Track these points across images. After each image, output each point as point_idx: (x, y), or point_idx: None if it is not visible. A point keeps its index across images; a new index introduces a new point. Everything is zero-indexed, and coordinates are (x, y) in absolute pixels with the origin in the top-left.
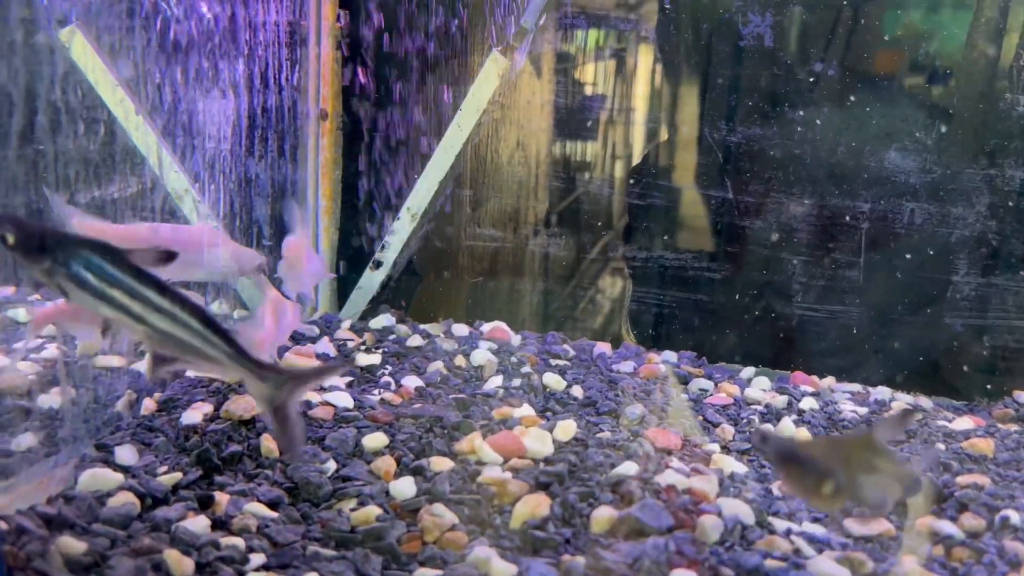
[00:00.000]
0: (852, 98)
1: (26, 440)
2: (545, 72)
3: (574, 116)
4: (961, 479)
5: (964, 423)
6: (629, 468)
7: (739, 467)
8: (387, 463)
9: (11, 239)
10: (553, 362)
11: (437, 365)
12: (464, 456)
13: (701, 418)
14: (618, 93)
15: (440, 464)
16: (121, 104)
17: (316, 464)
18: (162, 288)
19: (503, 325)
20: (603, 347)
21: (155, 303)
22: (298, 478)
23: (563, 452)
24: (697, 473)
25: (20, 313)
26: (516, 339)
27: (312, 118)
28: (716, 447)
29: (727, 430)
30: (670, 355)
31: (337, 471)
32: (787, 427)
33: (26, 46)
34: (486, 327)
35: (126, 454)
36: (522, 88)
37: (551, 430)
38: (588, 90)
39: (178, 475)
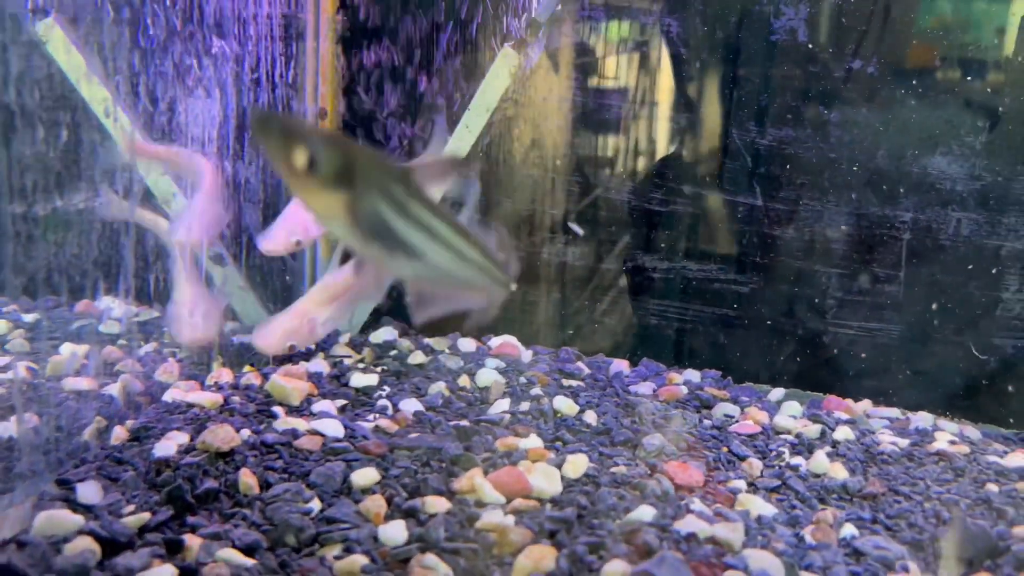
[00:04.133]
0: (892, 97)
1: None
2: (562, 68)
3: (592, 114)
4: (1019, 529)
5: (1019, 459)
6: (645, 513)
7: (767, 508)
8: (377, 503)
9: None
10: (565, 383)
11: (439, 386)
12: (463, 495)
13: (726, 449)
14: (638, 90)
15: (435, 505)
16: (102, 103)
17: (298, 503)
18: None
19: (513, 340)
20: (620, 364)
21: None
22: (278, 519)
23: (572, 492)
24: (721, 518)
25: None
26: (527, 355)
27: (310, 117)
28: (742, 484)
29: (754, 465)
30: (692, 375)
31: (322, 511)
32: (821, 463)
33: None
34: (495, 342)
35: (89, 491)
36: (537, 85)
37: (560, 465)
38: (606, 87)
39: (146, 515)
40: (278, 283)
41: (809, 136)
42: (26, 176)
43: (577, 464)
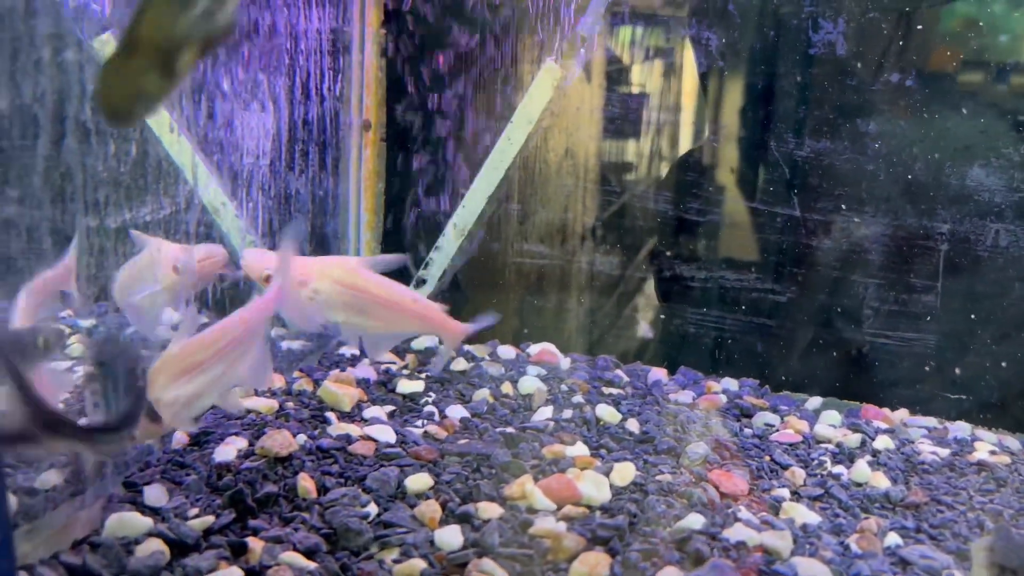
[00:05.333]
0: (928, 108)
1: (51, 477)
2: (595, 78)
3: (627, 125)
4: None
5: None
6: (695, 521)
7: (811, 517)
8: (432, 508)
9: None
10: (606, 391)
11: (483, 393)
12: (514, 502)
13: (768, 458)
14: (673, 102)
15: (488, 511)
16: (157, 119)
17: (356, 508)
18: None
19: (551, 347)
20: (659, 373)
21: None
22: (337, 523)
23: (621, 499)
24: (768, 527)
25: None
26: (565, 362)
27: (355, 129)
28: (785, 492)
29: (797, 474)
30: (730, 383)
31: (378, 516)
32: (862, 472)
33: (52, 64)
34: (533, 349)
35: (156, 494)
36: (571, 95)
37: (607, 473)
38: (640, 98)
39: (210, 518)
40: None
41: (846, 148)
42: (99, 191)
43: (624, 472)
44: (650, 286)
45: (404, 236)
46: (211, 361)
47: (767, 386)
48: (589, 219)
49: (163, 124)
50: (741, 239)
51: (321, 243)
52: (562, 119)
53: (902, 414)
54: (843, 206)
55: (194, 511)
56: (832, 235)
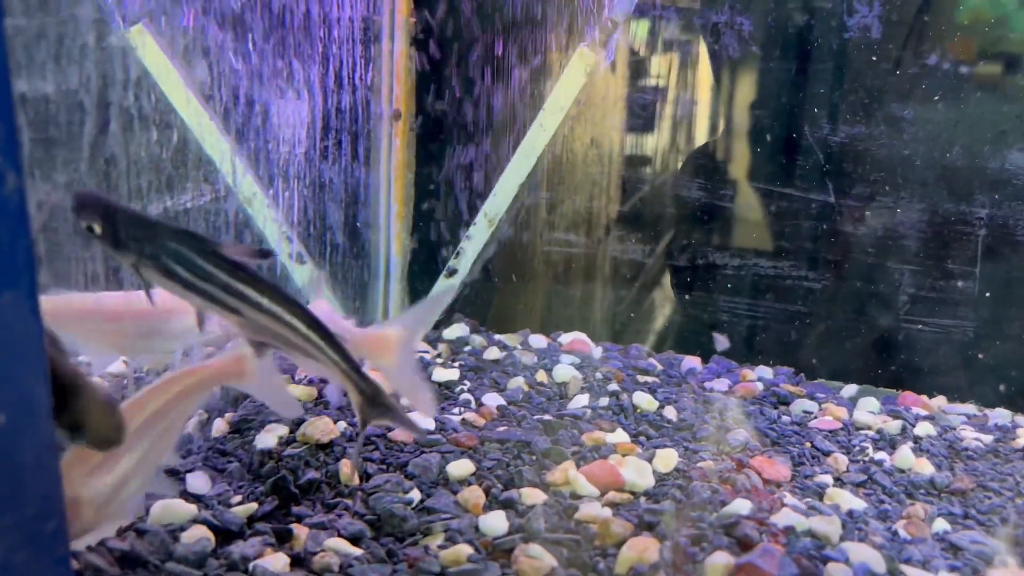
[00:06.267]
0: (965, 92)
1: None
2: (619, 67)
3: (653, 111)
4: None
5: None
6: (742, 506)
7: (856, 503)
8: (475, 494)
9: (98, 229)
10: (641, 379)
11: (518, 381)
12: (557, 488)
13: (809, 445)
14: (696, 88)
15: (532, 496)
16: (192, 108)
17: (399, 494)
18: (258, 282)
19: (583, 336)
20: (692, 361)
21: (251, 298)
22: (380, 509)
23: (665, 485)
24: (816, 512)
25: None
26: (597, 351)
27: (385, 118)
28: (828, 479)
29: (839, 460)
30: (765, 371)
31: (421, 502)
32: (906, 458)
33: (98, 49)
34: (565, 338)
35: (198, 481)
36: (596, 84)
37: (650, 459)
38: (668, 84)
39: (253, 505)
40: (355, 283)
41: (882, 132)
42: (142, 176)
43: (667, 458)
44: (681, 275)
45: (434, 226)
46: (134, 438)
47: (802, 374)
48: (617, 207)
49: (195, 113)
50: (775, 226)
51: (353, 234)
52: (588, 108)
53: (939, 401)
54: (879, 191)
55: (237, 498)
56: (868, 221)
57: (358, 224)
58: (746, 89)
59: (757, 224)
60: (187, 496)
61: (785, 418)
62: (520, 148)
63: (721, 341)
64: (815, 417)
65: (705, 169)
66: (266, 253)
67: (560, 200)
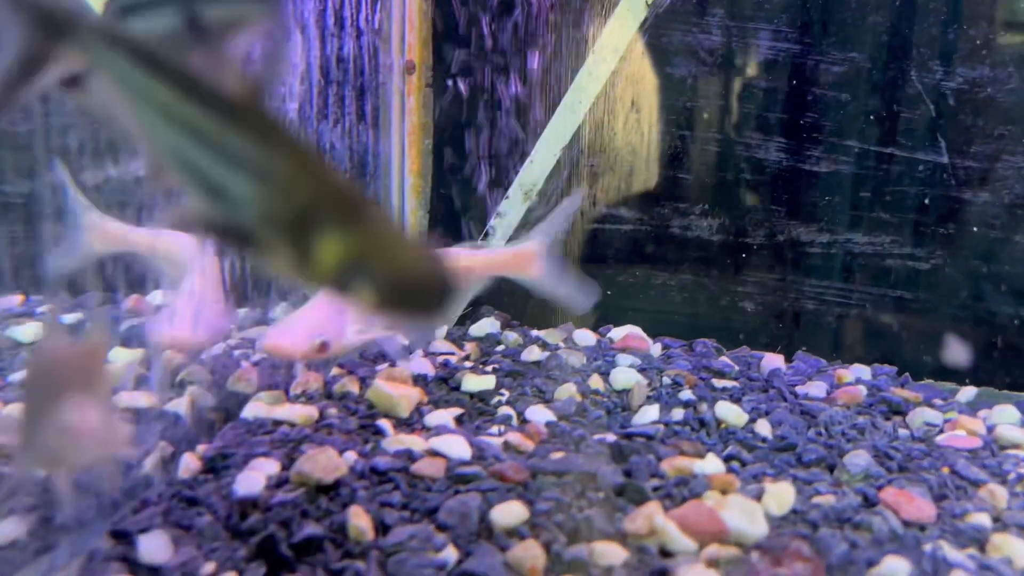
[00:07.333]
0: None
1: (10, 528)
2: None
3: (730, 56)
4: None
5: None
6: (898, 569)
7: None
8: (531, 552)
9: None
10: (717, 383)
11: (568, 389)
12: (640, 540)
13: (947, 470)
14: (788, 22)
15: (608, 554)
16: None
17: (429, 553)
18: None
19: (638, 331)
20: (774, 360)
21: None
22: None
23: (782, 533)
24: (990, 574)
25: (25, 331)
26: (655, 348)
27: (396, 71)
28: (985, 519)
29: (996, 492)
30: (862, 370)
31: (459, 564)
32: None
33: None
34: (616, 333)
35: (155, 545)
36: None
37: (759, 497)
38: (752, 22)
39: None
40: None
41: (1010, 75)
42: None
43: (781, 496)
44: (756, 254)
45: (457, 201)
46: None
47: (906, 374)
48: (673, 177)
49: None
50: (872, 193)
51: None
52: (629, 64)
53: None
54: (1005, 149)
55: (208, 568)
56: (990, 185)
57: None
58: (835, 26)
59: (850, 192)
60: (138, 568)
61: (903, 432)
62: (561, 105)
63: (958, 350)
64: (941, 431)
65: (784, 126)
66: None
67: (608, 167)
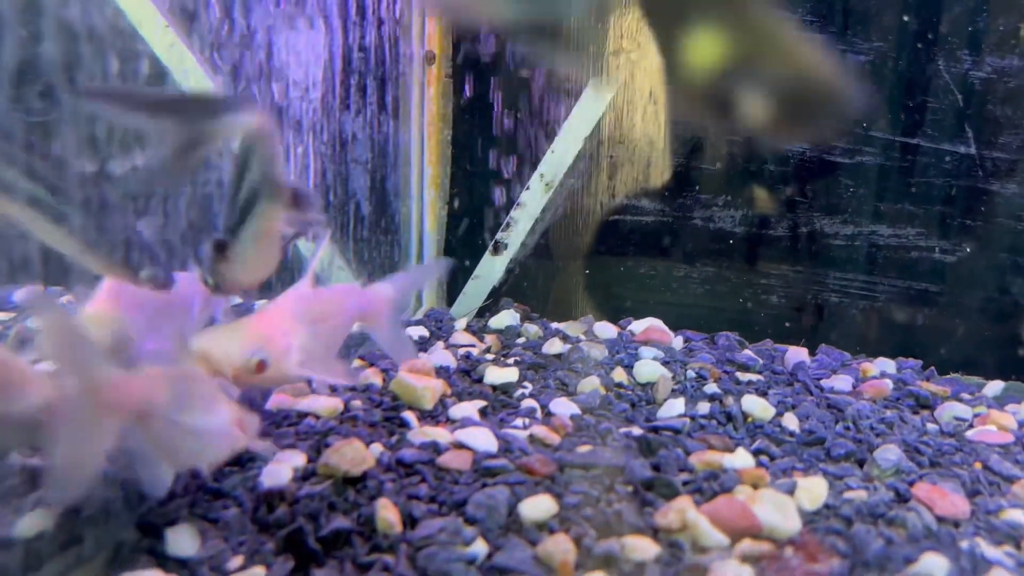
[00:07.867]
0: None
1: (34, 522)
2: None
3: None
4: None
5: None
6: (937, 567)
7: None
8: (561, 547)
9: None
10: (742, 376)
11: (592, 382)
12: (671, 535)
13: (980, 465)
14: (798, 12)
15: (639, 549)
16: (166, 40)
17: (458, 547)
18: None
19: (660, 324)
20: (798, 353)
21: None
22: (433, 570)
23: (815, 528)
24: None
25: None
26: (677, 341)
27: (416, 61)
28: (1020, 515)
29: None
30: (886, 364)
31: (489, 557)
32: None
33: None
34: (637, 326)
35: (182, 539)
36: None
37: (791, 492)
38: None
39: (259, 571)
40: (384, 260)
41: None
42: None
43: (814, 491)
44: (781, 246)
45: (477, 192)
46: None
47: (932, 367)
48: (702, 164)
49: (164, 40)
50: (897, 185)
51: (381, 201)
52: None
53: None
54: None
55: (236, 561)
56: (1018, 177)
57: (387, 189)
58: (859, 14)
59: (875, 183)
60: (165, 561)
61: (932, 426)
62: (586, 91)
63: None
64: (970, 426)
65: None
66: None
67: (628, 158)
